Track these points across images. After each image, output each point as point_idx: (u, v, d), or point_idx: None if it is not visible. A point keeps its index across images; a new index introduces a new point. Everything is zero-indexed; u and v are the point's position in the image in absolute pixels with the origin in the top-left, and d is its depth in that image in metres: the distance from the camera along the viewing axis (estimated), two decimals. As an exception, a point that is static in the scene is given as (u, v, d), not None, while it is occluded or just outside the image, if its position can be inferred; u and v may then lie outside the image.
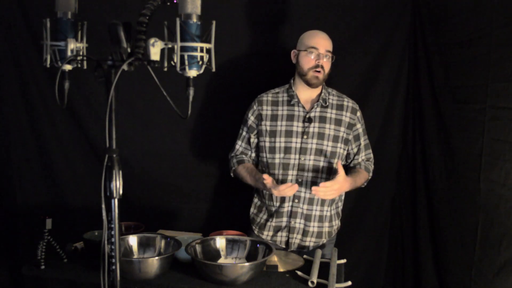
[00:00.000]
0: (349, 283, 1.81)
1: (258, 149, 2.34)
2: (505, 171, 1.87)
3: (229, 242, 2.01)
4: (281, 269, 1.93)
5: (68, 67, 1.40)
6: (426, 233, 2.55)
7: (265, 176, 2.07)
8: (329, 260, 2.00)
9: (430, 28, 2.48)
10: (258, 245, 1.98)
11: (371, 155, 2.37)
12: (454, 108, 2.29)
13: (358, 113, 2.31)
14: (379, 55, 2.64)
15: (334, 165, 2.18)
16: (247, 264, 1.78)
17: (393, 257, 2.85)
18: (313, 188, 2.03)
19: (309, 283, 1.76)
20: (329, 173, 2.24)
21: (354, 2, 2.59)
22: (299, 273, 1.88)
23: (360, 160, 2.33)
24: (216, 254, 1.97)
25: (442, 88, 2.39)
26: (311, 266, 1.91)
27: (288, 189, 2.05)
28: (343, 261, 2.02)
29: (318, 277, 1.81)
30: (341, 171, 2.06)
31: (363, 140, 2.33)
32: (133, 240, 1.99)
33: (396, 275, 2.85)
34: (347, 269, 2.04)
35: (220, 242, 2.00)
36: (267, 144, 2.27)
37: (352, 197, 2.69)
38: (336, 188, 2.05)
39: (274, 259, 2.00)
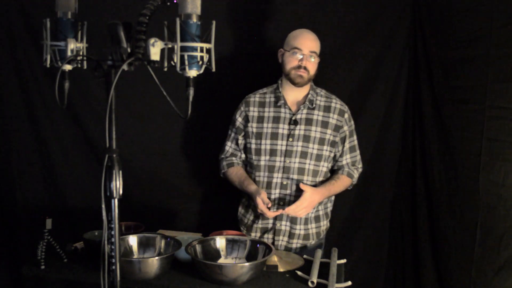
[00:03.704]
0: (349, 283, 1.81)
1: (246, 150, 2.32)
2: (504, 171, 1.87)
3: (229, 242, 2.01)
4: (281, 269, 1.94)
5: (68, 67, 1.40)
6: (426, 233, 2.54)
7: (259, 201, 2.07)
8: (328, 260, 2.00)
9: (430, 28, 2.48)
10: (258, 245, 1.98)
11: (357, 158, 2.31)
12: (453, 108, 2.28)
13: (346, 115, 2.25)
14: (379, 55, 2.64)
15: (301, 184, 2.14)
16: (247, 264, 1.78)
17: (393, 257, 2.85)
18: (285, 210, 2.07)
19: (309, 283, 1.76)
20: (315, 175, 2.22)
21: (354, 2, 2.59)
22: (299, 273, 1.88)
23: (344, 162, 2.28)
24: (216, 254, 1.97)
25: (442, 88, 2.39)
26: (311, 266, 1.91)
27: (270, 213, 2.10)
28: (343, 261, 2.02)
29: (318, 277, 1.81)
30: (306, 189, 2.07)
31: (348, 142, 2.27)
32: (133, 240, 1.99)
33: (396, 275, 2.85)
34: (347, 269, 2.04)
35: (220, 242, 2.00)
36: (253, 146, 2.26)
37: (352, 197, 2.69)
38: (304, 206, 2.07)
39: (274, 259, 2.00)
